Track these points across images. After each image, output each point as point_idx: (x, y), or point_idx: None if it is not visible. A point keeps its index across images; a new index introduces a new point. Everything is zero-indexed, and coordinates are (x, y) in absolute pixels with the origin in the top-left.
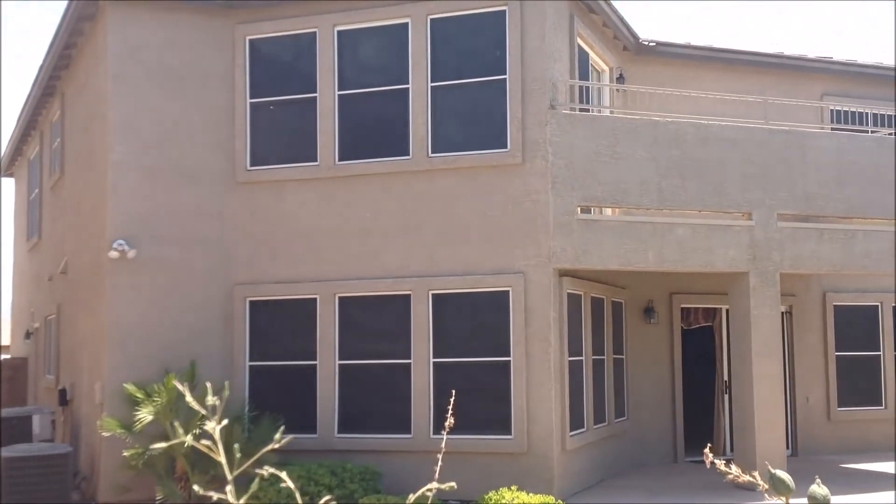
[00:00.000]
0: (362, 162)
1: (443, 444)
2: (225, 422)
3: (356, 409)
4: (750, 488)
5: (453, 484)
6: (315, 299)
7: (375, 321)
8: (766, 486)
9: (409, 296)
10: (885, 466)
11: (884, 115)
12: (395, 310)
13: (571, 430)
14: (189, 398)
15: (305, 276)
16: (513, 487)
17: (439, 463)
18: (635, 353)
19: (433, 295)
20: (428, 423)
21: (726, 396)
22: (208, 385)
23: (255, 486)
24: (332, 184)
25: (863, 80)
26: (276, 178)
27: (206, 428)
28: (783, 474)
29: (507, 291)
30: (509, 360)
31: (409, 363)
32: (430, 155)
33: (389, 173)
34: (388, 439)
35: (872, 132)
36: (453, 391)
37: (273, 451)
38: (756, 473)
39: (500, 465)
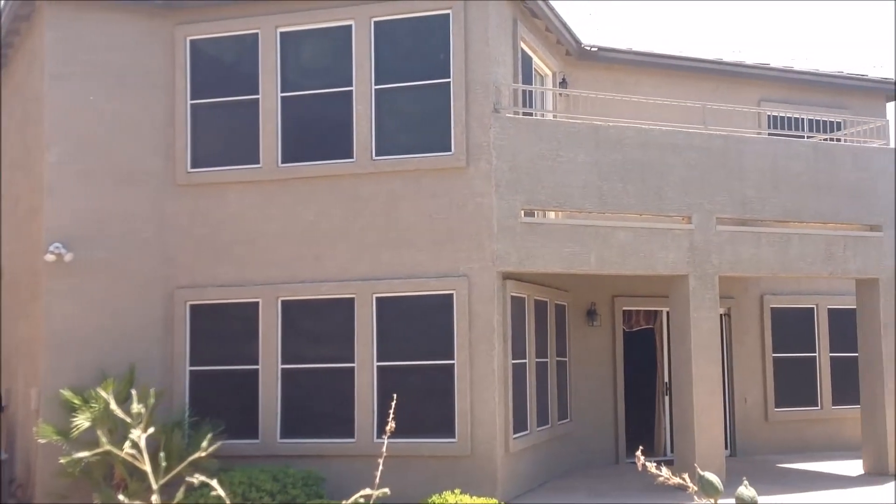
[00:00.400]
0: (306, 164)
1: (384, 449)
2: (151, 430)
3: (299, 414)
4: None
5: (386, 490)
6: (258, 303)
7: (319, 325)
8: (696, 488)
9: (352, 299)
10: (821, 466)
11: (819, 120)
12: (339, 313)
13: (515, 433)
14: (113, 406)
15: (248, 280)
16: (456, 490)
17: (380, 467)
18: (578, 356)
19: (377, 298)
20: (372, 427)
21: (667, 398)
22: (133, 392)
23: (180, 495)
24: (275, 186)
25: (799, 86)
26: (218, 181)
27: (132, 436)
28: (711, 476)
29: (452, 295)
30: (453, 364)
31: (353, 367)
32: (375, 158)
33: (333, 176)
34: (331, 444)
35: (808, 137)
36: (395, 395)
37: (214, 457)
38: (686, 475)
39: (444, 469)
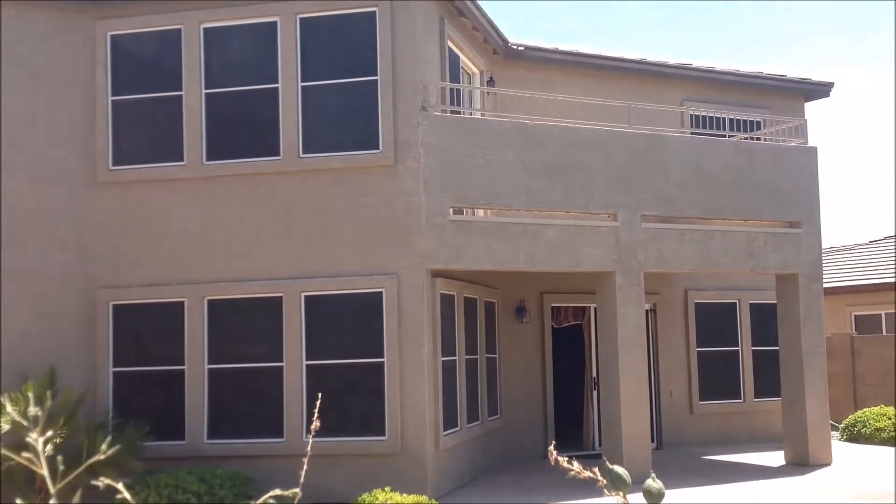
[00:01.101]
0: (231, 162)
1: (308, 448)
2: (49, 433)
3: (227, 414)
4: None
5: (297, 490)
6: (183, 302)
7: (247, 324)
8: (605, 482)
9: (280, 298)
10: (744, 457)
11: (740, 120)
12: (267, 312)
13: (445, 430)
14: (10, 409)
15: (173, 279)
16: (386, 488)
17: (305, 466)
18: (508, 352)
19: (306, 297)
20: (301, 427)
21: (595, 392)
22: (31, 395)
23: (76, 499)
24: (200, 184)
25: (720, 86)
26: (141, 179)
27: (29, 439)
28: (620, 470)
29: (381, 293)
30: (383, 362)
31: (282, 366)
32: (302, 155)
33: (260, 174)
34: (260, 444)
35: (729, 137)
36: (319, 394)
37: (140, 459)
38: (596, 469)
39: (374, 467)
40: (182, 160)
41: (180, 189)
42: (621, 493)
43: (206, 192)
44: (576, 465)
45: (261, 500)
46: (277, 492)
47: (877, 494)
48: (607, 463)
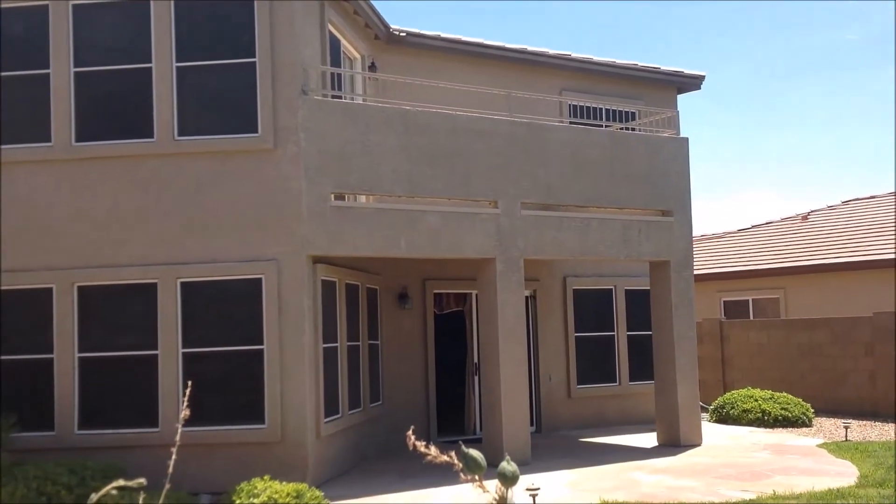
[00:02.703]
0: (103, 144)
1: (178, 437)
2: None
3: (99, 404)
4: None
5: (142, 480)
6: (51, 289)
7: (120, 312)
8: (461, 466)
9: (155, 284)
10: (619, 439)
11: (616, 110)
12: (142, 300)
13: (326, 417)
14: None
15: (40, 265)
16: (266, 477)
17: (174, 455)
18: (390, 339)
19: (182, 283)
20: (177, 416)
21: (476, 378)
22: None
23: None
24: (69, 166)
25: (597, 77)
26: (6, 160)
27: None
28: (475, 452)
29: (260, 279)
30: (263, 349)
31: (157, 354)
32: (177, 138)
33: (134, 156)
34: (134, 434)
35: (606, 127)
36: (190, 382)
37: (8, 451)
38: (453, 454)
39: (254, 455)
40: (49, 141)
41: (49, 171)
42: (476, 476)
43: (77, 175)
44: (433, 450)
45: (103, 490)
46: (121, 482)
47: (741, 471)
48: (463, 447)
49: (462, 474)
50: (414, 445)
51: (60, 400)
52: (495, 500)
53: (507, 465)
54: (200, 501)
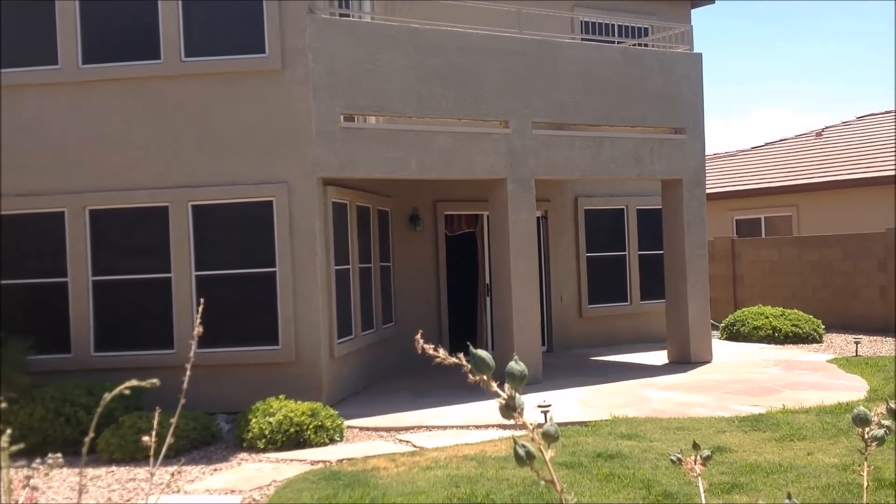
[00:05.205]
0: (110, 66)
1: (192, 353)
2: None
3: (115, 327)
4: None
5: (155, 381)
6: (63, 213)
7: (133, 235)
8: (469, 367)
9: (166, 208)
10: (630, 357)
11: (628, 26)
12: (154, 223)
13: (339, 338)
14: None
15: (52, 189)
16: (281, 396)
17: (188, 372)
18: (402, 261)
19: (193, 207)
20: (192, 337)
21: (488, 298)
22: None
23: None
24: (78, 89)
25: None
26: (14, 83)
27: None
28: (483, 353)
29: (271, 202)
30: (275, 271)
31: (170, 277)
32: (184, 59)
33: (141, 78)
34: (150, 356)
35: (618, 43)
36: (202, 300)
37: (26, 373)
38: (461, 355)
39: (269, 376)
40: (57, 63)
41: (57, 94)
42: (486, 376)
43: (85, 98)
44: (441, 352)
45: (116, 390)
46: (134, 382)
47: (751, 386)
48: (472, 348)
49: (470, 375)
50: (423, 349)
51: (76, 323)
52: (504, 400)
53: (515, 365)
54: (217, 421)
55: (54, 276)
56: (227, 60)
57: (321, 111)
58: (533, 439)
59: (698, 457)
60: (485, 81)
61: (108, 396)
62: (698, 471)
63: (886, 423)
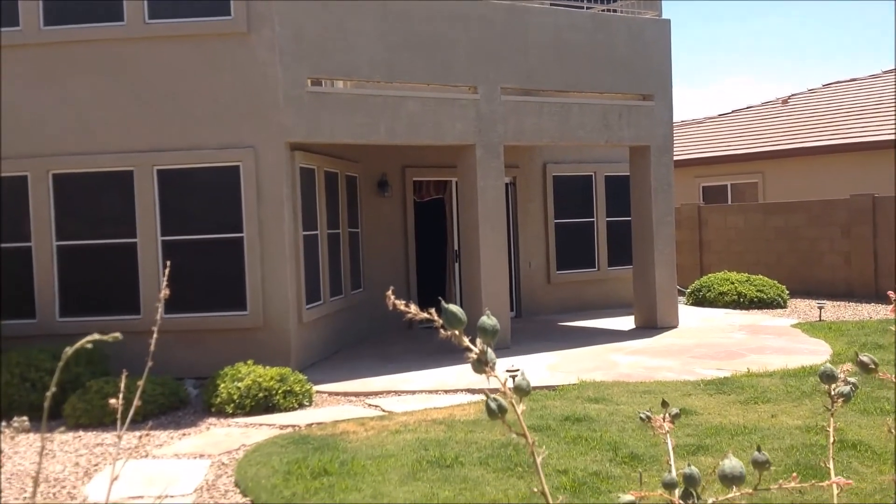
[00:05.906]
0: (72, 27)
1: (158, 317)
2: None
3: (80, 292)
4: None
5: (118, 335)
6: (26, 177)
7: (98, 200)
8: (441, 322)
9: (132, 172)
10: (598, 322)
11: None
12: (119, 187)
13: (308, 303)
14: None
15: (14, 153)
16: (249, 361)
17: (154, 336)
18: (370, 227)
19: (159, 171)
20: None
21: (457, 265)
22: None
23: None
24: (39, 52)
25: None
26: None
27: None
28: (455, 308)
29: (238, 167)
30: (243, 237)
31: (136, 242)
32: (147, 21)
33: (105, 41)
34: (116, 321)
35: (587, 8)
36: (168, 262)
37: None
38: (432, 310)
39: (237, 342)
40: (18, 25)
41: (17, 57)
42: (457, 331)
43: (47, 61)
44: (412, 308)
45: (77, 344)
46: (96, 336)
47: (716, 350)
48: (443, 303)
49: (442, 330)
50: (394, 304)
51: (41, 288)
52: (476, 354)
53: (487, 319)
54: (185, 386)
55: (18, 240)
56: (191, 23)
57: (288, 76)
58: (505, 394)
59: (667, 415)
60: (453, 47)
61: (69, 350)
62: (667, 428)
63: (852, 380)
